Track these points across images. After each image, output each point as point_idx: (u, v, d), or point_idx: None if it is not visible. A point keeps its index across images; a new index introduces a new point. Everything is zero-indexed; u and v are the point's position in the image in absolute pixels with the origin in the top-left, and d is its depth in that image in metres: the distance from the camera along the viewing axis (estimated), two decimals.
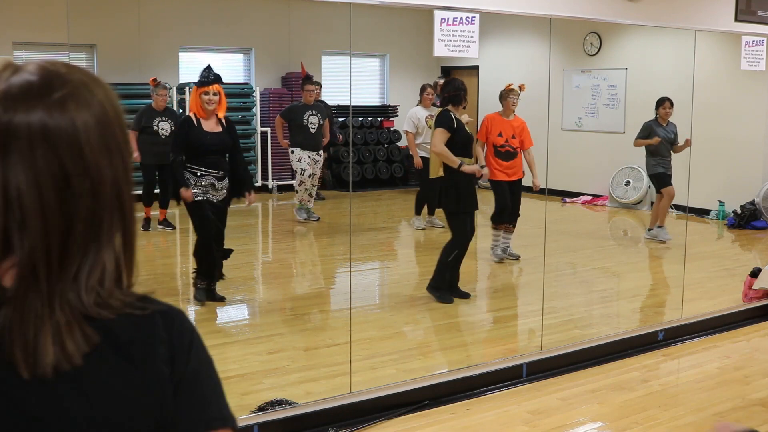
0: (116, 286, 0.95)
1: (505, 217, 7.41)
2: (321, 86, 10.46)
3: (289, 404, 4.12)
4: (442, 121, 6.06)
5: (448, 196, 6.04)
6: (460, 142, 6.03)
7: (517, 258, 7.56)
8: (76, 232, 0.90)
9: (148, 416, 0.96)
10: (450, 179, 6.04)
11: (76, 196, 0.90)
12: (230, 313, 6.06)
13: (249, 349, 5.05)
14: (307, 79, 9.59)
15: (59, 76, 0.92)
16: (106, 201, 0.92)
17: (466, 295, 6.24)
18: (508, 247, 7.58)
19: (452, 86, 6.14)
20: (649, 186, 9.96)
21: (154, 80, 8.45)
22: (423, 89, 9.17)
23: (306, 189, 9.35)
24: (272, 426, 3.99)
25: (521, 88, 7.41)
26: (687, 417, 4.27)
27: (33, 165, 0.88)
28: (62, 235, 0.90)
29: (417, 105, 9.31)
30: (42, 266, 0.89)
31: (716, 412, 4.31)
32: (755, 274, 6.40)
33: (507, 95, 7.38)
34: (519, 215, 7.51)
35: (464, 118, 6.24)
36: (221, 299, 6.00)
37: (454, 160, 5.95)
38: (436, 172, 6.11)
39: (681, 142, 8.17)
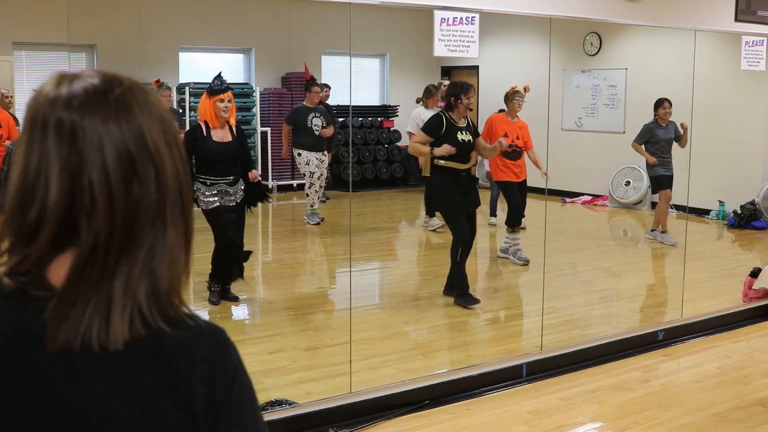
0: (172, 292, 0.99)
1: (517, 217, 7.47)
2: (330, 88, 10.47)
3: (289, 404, 4.12)
4: (429, 124, 6.09)
5: (435, 196, 6.06)
6: (445, 141, 5.91)
7: (526, 263, 7.44)
8: (141, 219, 0.96)
9: (172, 427, 0.97)
10: (434, 178, 6.09)
11: (142, 182, 0.96)
12: (230, 313, 6.06)
13: (249, 349, 5.05)
14: (312, 81, 9.59)
15: (116, 78, 1.00)
16: (168, 191, 0.98)
17: (475, 301, 6.17)
18: (518, 250, 7.58)
19: (449, 89, 6.13)
20: (649, 186, 9.97)
21: (158, 81, 8.45)
22: (428, 91, 9.15)
23: (316, 191, 9.35)
24: (272, 426, 3.99)
25: (526, 89, 7.41)
26: (687, 417, 4.27)
27: (103, 157, 0.94)
28: (127, 221, 0.95)
29: (420, 105, 9.30)
30: (102, 251, 0.94)
31: (716, 412, 4.31)
32: (755, 274, 6.40)
33: (513, 97, 7.40)
34: (524, 215, 7.53)
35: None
36: (235, 299, 6.09)
37: (425, 152, 5.97)
38: (426, 171, 6.15)
39: (681, 138, 8.17)
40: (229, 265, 5.85)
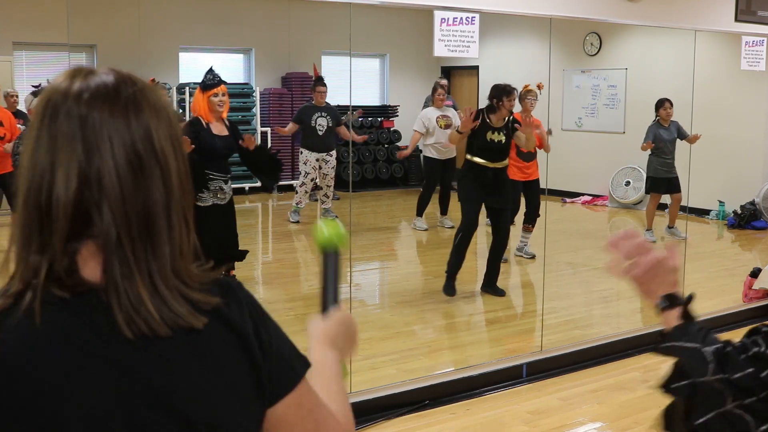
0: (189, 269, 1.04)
1: (526, 211, 7.60)
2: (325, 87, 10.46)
3: None
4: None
5: (458, 183, 6.45)
6: (475, 144, 6.16)
7: (532, 257, 7.64)
8: (153, 214, 1.00)
9: (248, 382, 1.05)
10: (462, 170, 6.39)
11: (149, 181, 1.00)
12: None
13: None
14: (319, 80, 9.55)
15: (130, 78, 1.04)
16: (173, 189, 1.02)
17: (501, 293, 6.40)
18: (525, 246, 7.70)
19: (491, 92, 6.25)
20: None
21: (153, 81, 8.44)
22: (434, 89, 9.14)
23: (306, 192, 9.32)
24: None
25: (539, 87, 7.41)
26: None
27: (112, 150, 0.98)
28: (142, 215, 0.99)
29: (428, 105, 9.31)
30: (127, 242, 0.98)
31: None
32: (755, 274, 6.40)
33: (525, 96, 7.41)
34: (539, 215, 7.54)
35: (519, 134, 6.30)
36: None
37: (456, 135, 6.29)
38: (459, 164, 6.46)
39: (688, 135, 8.14)
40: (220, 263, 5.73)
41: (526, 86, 7.47)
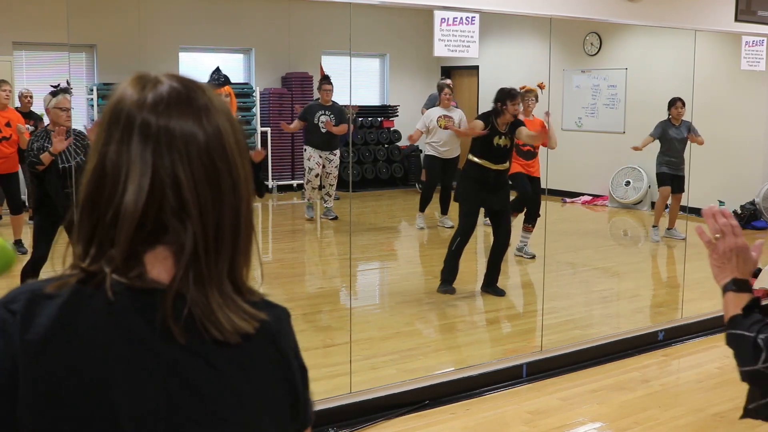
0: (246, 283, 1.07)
1: (526, 210, 7.62)
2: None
3: None
4: (482, 115, 6.31)
5: (458, 184, 6.43)
6: (481, 146, 6.18)
7: (533, 257, 7.64)
8: (227, 223, 1.01)
9: (286, 403, 1.08)
10: (464, 170, 6.39)
11: (222, 191, 1.01)
12: None
13: None
14: (325, 78, 9.58)
15: (197, 84, 1.05)
16: (242, 198, 1.03)
17: (501, 293, 6.40)
18: (525, 246, 7.70)
19: (497, 95, 6.21)
20: (650, 186, 9.97)
21: None
22: (441, 89, 9.14)
23: (314, 188, 9.37)
24: None
25: (541, 86, 7.39)
26: (687, 417, 4.26)
27: (190, 162, 0.99)
28: (216, 225, 1.00)
29: (433, 105, 9.36)
30: (202, 249, 0.99)
31: (716, 412, 4.31)
32: (755, 274, 6.38)
33: (524, 96, 7.40)
34: (539, 215, 7.53)
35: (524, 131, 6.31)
36: None
37: (479, 128, 6.17)
38: (461, 164, 6.46)
39: (699, 135, 8.13)
40: None
41: (523, 87, 7.46)
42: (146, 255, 1.00)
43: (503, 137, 6.19)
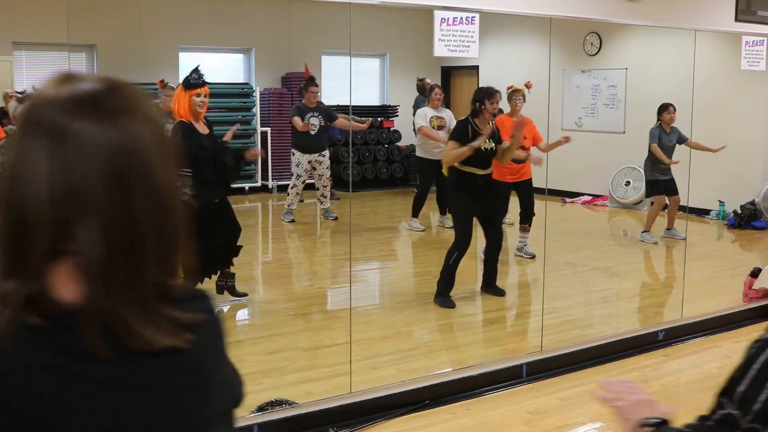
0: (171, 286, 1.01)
1: (521, 211, 7.59)
2: (317, 86, 10.42)
3: (289, 404, 4.12)
4: (456, 131, 6.07)
5: (449, 196, 6.17)
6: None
7: (532, 257, 7.63)
8: (141, 229, 0.95)
9: (199, 413, 1.02)
10: (451, 179, 6.13)
11: (135, 198, 0.95)
12: (230, 313, 6.06)
13: (249, 349, 5.05)
14: (310, 80, 9.52)
15: (121, 85, 0.99)
16: (166, 206, 0.98)
17: (501, 292, 6.37)
18: (524, 246, 7.70)
19: (474, 95, 6.07)
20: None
21: (162, 82, 8.41)
22: (431, 89, 9.09)
23: (297, 193, 9.30)
24: (272, 426, 3.99)
25: (528, 86, 7.37)
26: (687, 417, 4.25)
27: (97, 161, 0.93)
28: (130, 234, 0.94)
29: (420, 105, 9.29)
30: (112, 260, 0.93)
31: None
32: (755, 274, 6.40)
33: (511, 96, 7.40)
34: (534, 214, 7.53)
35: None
36: (243, 294, 6.06)
37: (463, 151, 5.87)
38: (445, 170, 6.26)
39: (687, 139, 8.13)
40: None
41: (510, 87, 7.46)
42: (54, 269, 0.94)
43: (488, 140, 6.01)
